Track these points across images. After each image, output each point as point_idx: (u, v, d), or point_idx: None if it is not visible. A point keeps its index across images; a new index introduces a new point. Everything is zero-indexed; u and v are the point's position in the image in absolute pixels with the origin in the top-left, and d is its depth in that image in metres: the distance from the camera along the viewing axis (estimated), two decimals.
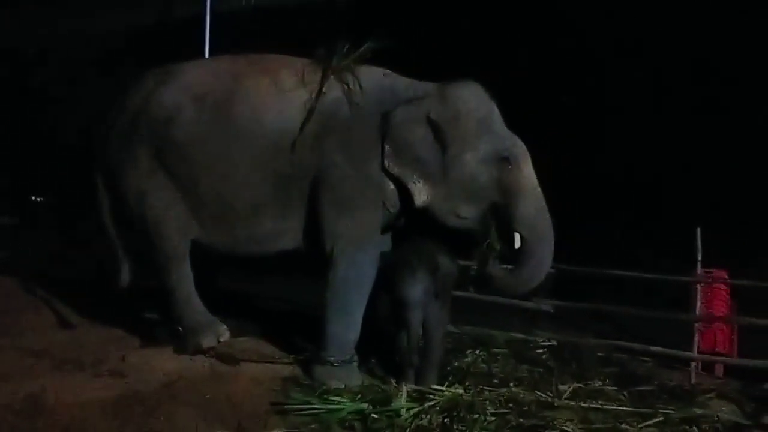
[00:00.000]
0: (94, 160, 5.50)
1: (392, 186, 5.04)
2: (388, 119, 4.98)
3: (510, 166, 4.99)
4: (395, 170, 4.93)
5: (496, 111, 5.13)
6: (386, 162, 4.93)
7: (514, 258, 5.03)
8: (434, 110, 4.99)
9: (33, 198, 13.60)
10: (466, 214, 5.04)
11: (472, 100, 5.08)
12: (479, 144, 5.01)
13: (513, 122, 5.18)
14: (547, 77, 8.97)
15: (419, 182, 4.94)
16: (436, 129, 4.97)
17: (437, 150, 4.99)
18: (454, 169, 4.99)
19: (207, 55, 10.23)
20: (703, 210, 6.85)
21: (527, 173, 5.04)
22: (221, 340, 5.35)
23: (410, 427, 4.25)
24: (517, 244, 4.96)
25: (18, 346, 5.20)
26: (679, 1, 8.28)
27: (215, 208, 5.17)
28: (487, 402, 4.52)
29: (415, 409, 4.39)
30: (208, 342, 5.28)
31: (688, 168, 8.35)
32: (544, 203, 5.05)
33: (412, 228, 5.25)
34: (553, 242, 5.06)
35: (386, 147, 4.94)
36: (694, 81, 8.47)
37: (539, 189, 5.04)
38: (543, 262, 5.06)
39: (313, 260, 5.14)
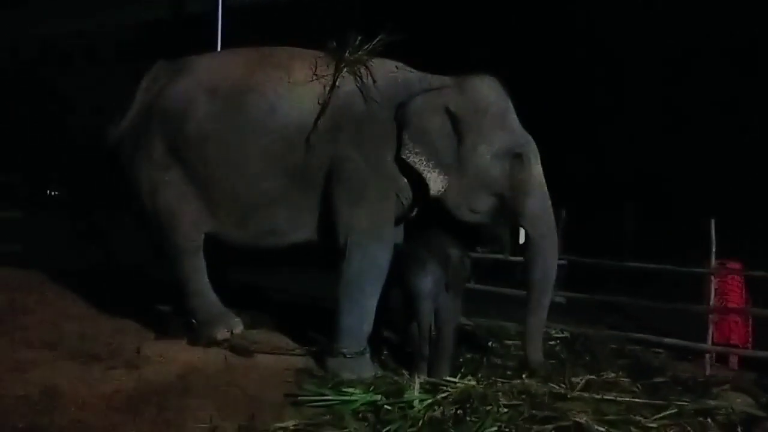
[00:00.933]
0: (108, 154, 5.53)
1: (406, 178, 5.05)
2: (407, 107, 4.98)
3: (522, 163, 5.04)
4: (411, 158, 4.93)
5: (512, 107, 5.16)
6: (403, 150, 4.93)
7: (520, 253, 5.15)
8: (453, 101, 5.01)
9: (48, 192, 13.72)
10: (479, 208, 5.09)
11: (491, 95, 5.10)
12: (494, 138, 5.03)
13: (529, 115, 5.19)
14: (561, 70, 8.93)
15: (434, 171, 4.94)
16: (454, 120, 4.99)
17: (453, 140, 5.01)
18: (468, 161, 5.00)
19: (219, 49, 10.25)
20: (718, 201, 6.81)
21: (537, 172, 5.10)
22: (235, 332, 5.39)
23: (423, 418, 4.23)
24: (522, 240, 5.13)
25: (33, 339, 5.24)
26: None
27: (229, 200, 5.19)
28: (500, 393, 4.49)
29: (428, 401, 4.38)
30: (221, 334, 5.31)
31: (702, 159, 8.30)
32: (549, 203, 5.12)
33: (423, 220, 5.25)
34: (556, 240, 5.16)
35: (404, 135, 4.93)
36: (707, 75, 8.41)
37: (546, 188, 5.11)
38: (550, 258, 5.12)
39: (326, 252, 5.15)
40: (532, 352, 5.10)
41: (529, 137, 5.15)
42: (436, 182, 4.95)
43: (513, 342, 5.71)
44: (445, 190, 4.99)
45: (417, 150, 4.93)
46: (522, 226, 5.11)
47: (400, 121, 4.99)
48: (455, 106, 4.99)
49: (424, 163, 4.93)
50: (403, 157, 4.93)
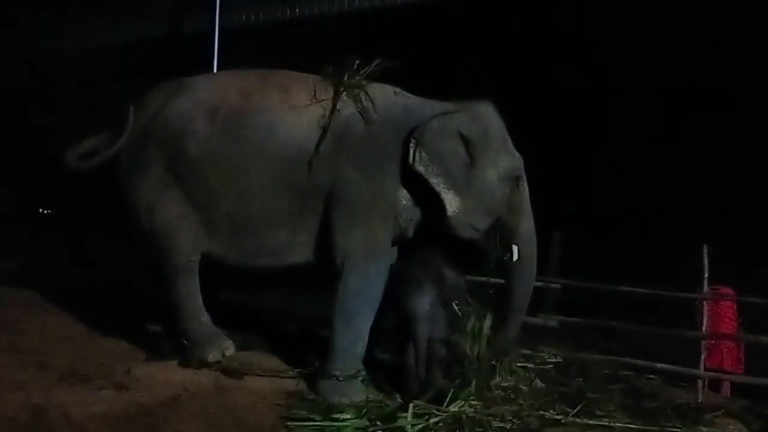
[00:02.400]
0: (106, 173, 5.53)
1: (404, 201, 5.12)
2: (423, 131, 5.04)
3: (518, 185, 5.28)
4: (431, 180, 5.00)
5: (507, 131, 5.33)
6: (420, 169, 4.99)
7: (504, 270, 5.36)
8: (465, 126, 5.14)
9: (41, 210, 13.66)
10: (481, 226, 5.21)
11: (495, 120, 5.29)
12: (501, 161, 5.21)
13: (520, 138, 5.28)
14: (554, 92, 8.98)
15: (450, 192, 5.03)
16: (466, 143, 5.10)
17: (465, 164, 5.11)
18: (477, 183, 5.13)
19: (215, 71, 10.27)
20: (710, 227, 6.83)
21: (527, 193, 5.38)
22: (226, 353, 5.37)
23: None
24: (516, 257, 5.30)
25: (23, 358, 5.20)
26: (687, 17, 8.28)
27: (226, 220, 5.20)
28: (492, 418, 4.48)
29: (420, 425, 4.36)
30: (213, 356, 5.30)
31: (695, 184, 8.33)
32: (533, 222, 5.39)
33: (419, 241, 5.27)
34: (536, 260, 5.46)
35: (423, 155, 5.00)
36: (701, 97, 8.46)
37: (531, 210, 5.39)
38: (533, 274, 5.46)
39: (322, 273, 5.15)
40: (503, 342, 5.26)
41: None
42: (452, 203, 5.04)
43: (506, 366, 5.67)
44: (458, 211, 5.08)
45: (435, 171, 5.01)
46: (515, 245, 5.30)
47: (417, 143, 5.03)
48: (467, 131, 5.12)
49: (442, 184, 5.02)
50: (423, 175, 4.99)
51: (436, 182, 5.02)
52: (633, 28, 8.74)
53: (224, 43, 10.64)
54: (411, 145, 5.03)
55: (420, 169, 4.99)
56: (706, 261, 5.79)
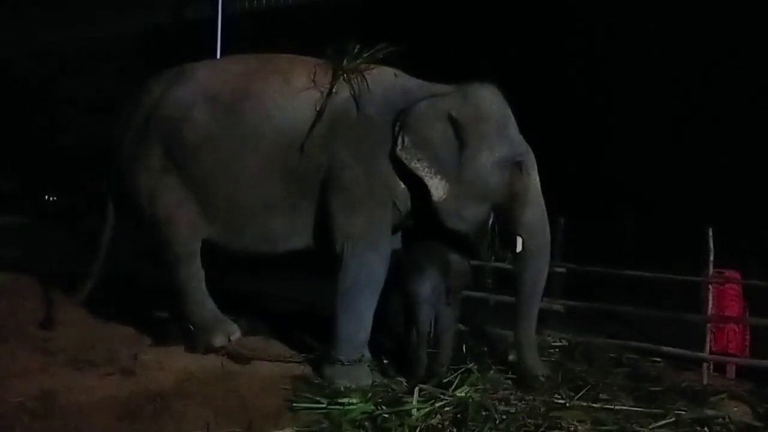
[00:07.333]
0: (107, 160, 5.54)
1: (402, 185, 5.03)
2: (409, 113, 4.94)
3: (520, 172, 5.00)
4: (413, 164, 4.88)
5: (512, 115, 5.12)
6: (404, 155, 4.88)
7: (512, 262, 5.16)
8: (456, 108, 4.95)
9: (46, 197, 13.71)
10: (468, 215, 5.01)
11: (492, 102, 5.06)
12: (496, 146, 4.98)
13: (528, 123, 5.18)
14: (558, 78, 8.95)
15: (436, 177, 4.89)
16: (456, 127, 4.93)
17: (455, 148, 4.95)
18: (468, 169, 4.95)
19: (218, 56, 10.26)
20: (716, 210, 6.81)
21: (535, 182, 5.08)
22: (232, 339, 5.39)
23: (421, 427, 4.22)
24: (519, 249, 5.04)
25: (30, 345, 5.22)
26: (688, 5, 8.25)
27: (226, 207, 5.20)
28: (498, 402, 4.50)
29: (426, 409, 4.38)
30: (219, 341, 5.32)
31: (700, 168, 8.31)
32: (545, 213, 5.11)
33: (423, 226, 5.24)
34: (549, 250, 5.20)
35: (405, 140, 4.89)
36: (705, 80, 8.43)
37: (542, 198, 5.10)
38: (543, 268, 5.15)
39: (323, 259, 5.15)
40: (530, 360, 5.08)
41: (528, 146, 5.13)
42: (438, 188, 4.89)
43: (510, 349, 5.69)
44: (446, 197, 4.95)
45: (419, 156, 4.89)
46: (519, 235, 5.04)
47: (401, 127, 4.95)
48: (458, 113, 4.93)
49: (426, 169, 4.89)
50: (405, 162, 4.89)
51: (420, 167, 4.87)
52: (639, 16, 8.70)
53: (227, 29, 10.64)
54: (396, 129, 4.94)
55: (402, 155, 4.87)
56: (711, 244, 5.77)
